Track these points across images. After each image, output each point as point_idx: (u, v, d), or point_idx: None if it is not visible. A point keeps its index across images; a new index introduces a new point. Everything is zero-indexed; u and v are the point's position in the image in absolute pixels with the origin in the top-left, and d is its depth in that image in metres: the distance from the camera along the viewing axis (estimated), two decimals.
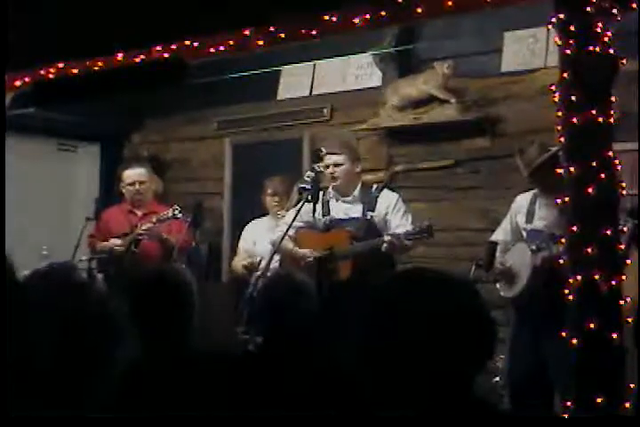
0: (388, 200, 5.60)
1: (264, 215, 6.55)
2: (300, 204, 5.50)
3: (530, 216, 5.06)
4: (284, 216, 5.93)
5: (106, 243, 6.42)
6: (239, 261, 6.40)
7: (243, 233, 6.57)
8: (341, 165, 5.62)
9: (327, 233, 5.67)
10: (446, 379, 1.80)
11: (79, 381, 1.85)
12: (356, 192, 5.65)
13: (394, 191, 5.77)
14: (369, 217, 5.56)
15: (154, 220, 6.21)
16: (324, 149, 5.84)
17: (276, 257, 5.63)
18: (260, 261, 5.97)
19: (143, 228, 6.24)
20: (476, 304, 1.87)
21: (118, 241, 6.35)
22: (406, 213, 5.57)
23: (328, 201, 5.71)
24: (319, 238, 5.66)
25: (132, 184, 6.56)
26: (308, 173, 5.64)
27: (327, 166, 5.65)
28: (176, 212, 6.13)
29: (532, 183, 5.06)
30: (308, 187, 5.40)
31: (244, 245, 6.47)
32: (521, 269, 4.97)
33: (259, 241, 6.35)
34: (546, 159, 4.82)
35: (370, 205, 5.58)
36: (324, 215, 5.69)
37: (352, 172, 5.66)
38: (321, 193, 5.74)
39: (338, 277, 5.43)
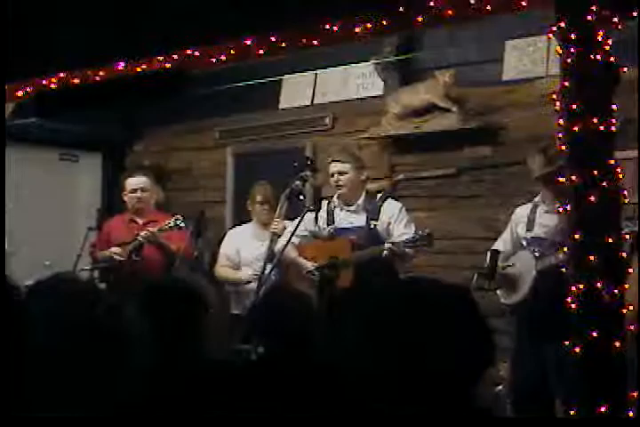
0: (391, 210, 5.61)
1: (247, 222, 6.54)
2: (302, 213, 5.52)
3: (530, 225, 5.06)
4: (275, 227, 5.92)
5: (106, 251, 6.43)
6: (221, 267, 6.40)
7: (225, 239, 6.52)
8: (346, 173, 5.64)
9: (330, 242, 5.69)
10: (445, 387, 1.80)
11: (86, 387, 1.85)
12: (361, 201, 5.67)
13: (398, 201, 5.79)
14: (372, 226, 5.57)
15: (156, 230, 6.22)
16: (328, 158, 5.88)
17: (269, 266, 5.64)
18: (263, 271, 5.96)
19: (142, 234, 6.24)
20: (473, 313, 1.87)
21: (118, 249, 6.34)
22: (409, 223, 5.58)
23: (333, 210, 5.73)
24: (322, 247, 5.67)
25: (134, 191, 6.56)
26: (297, 181, 5.67)
27: (332, 175, 5.68)
28: (178, 222, 6.14)
29: (543, 183, 4.99)
30: (298, 188, 5.46)
31: (226, 252, 6.42)
32: (523, 275, 4.97)
33: (243, 248, 6.33)
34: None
35: (373, 214, 5.60)
36: (328, 224, 5.71)
37: (357, 180, 5.67)
38: (325, 202, 5.77)
39: (339, 285, 5.44)
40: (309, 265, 5.63)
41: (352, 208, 5.68)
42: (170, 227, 6.17)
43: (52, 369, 1.87)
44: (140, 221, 6.53)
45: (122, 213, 6.80)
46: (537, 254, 4.92)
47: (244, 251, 6.33)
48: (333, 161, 5.74)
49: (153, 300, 3.20)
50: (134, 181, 6.61)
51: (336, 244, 5.64)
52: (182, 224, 6.15)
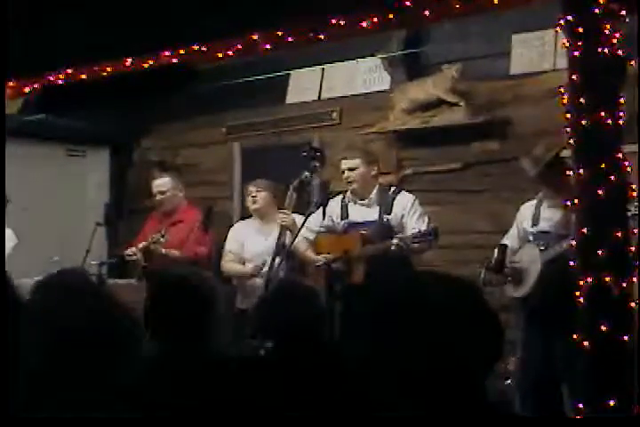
0: (404, 202, 5.63)
1: (249, 217, 6.52)
2: (309, 209, 5.54)
3: (535, 220, 5.09)
4: (284, 219, 5.89)
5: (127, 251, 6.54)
6: (227, 262, 6.37)
7: (229, 234, 6.48)
8: (356, 168, 5.65)
9: (342, 236, 5.70)
10: (455, 381, 1.80)
11: (93, 381, 1.86)
12: (373, 195, 5.68)
13: (411, 194, 5.78)
14: (385, 220, 5.58)
15: (148, 243, 6.33)
16: (339, 155, 5.89)
17: (278, 259, 5.63)
18: (264, 263, 5.94)
19: (142, 244, 6.37)
20: (482, 307, 1.87)
21: (134, 249, 6.43)
22: (422, 216, 5.59)
23: (346, 205, 5.74)
24: (335, 241, 5.69)
25: (156, 195, 6.68)
26: (306, 172, 5.68)
27: (343, 171, 5.69)
28: (161, 237, 6.23)
29: (539, 183, 5.07)
30: (307, 179, 5.46)
31: (232, 247, 6.39)
32: (530, 267, 4.98)
33: (248, 242, 6.31)
34: (553, 157, 4.87)
35: (386, 207, 5.61)
36: (342, 219, 5.73)
37: (367, 175, 5.68)
38: (339, 197, 5.78)
39: (350, 279, 5.44)
40: (319, 259, 5.63)
41: (365, 202, 5.70)
42: (154, 242, 6.26)
43: (61, 364, 1.87)
44: (169, 221, 6.58)
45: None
46: (542, 248, 4.94)
47: (248, 245, 6.32)
48: (343, 158, 5.75)
49: (160, 295, 3.21)
50: (156, 183, 6.74)
51: (348, 238, 5.65)
52: (162, 239, 6.21)
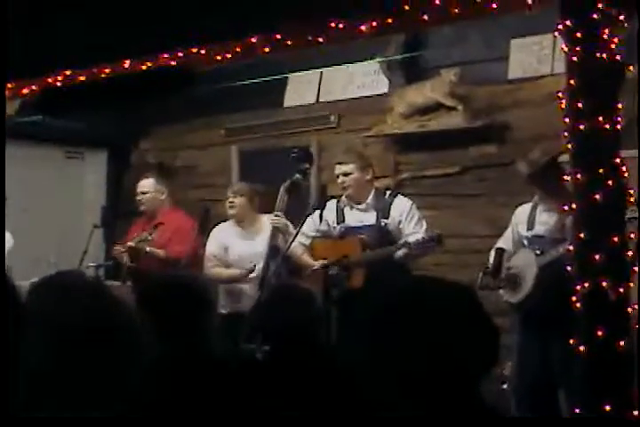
0: (401, 207, 5.61)
1: (226, 220, 6.45)
2: (307, 211, 5.53)
3: (531, 224, 5.08)
4: (277, 222, 5.86)
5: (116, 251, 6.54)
6: (211, 267, 6.26)
7: (209, 239, 6.37)
8: (350, 174, 5.63)
9: (340, 241, 5.68)
10: (451, 385, 1.80)
11: (94, 384, 1.86)
12: (369, 199, 5.66)
13: (408, 198, 5.77)
14: (383, 224, 5.57)
15: (134, 242, 6.36)
16: (334, 159, 5.89)
17: (272, 263, 5.61)
18: (255, 266, 5.89)
19: (129, 243, 6.38)
20: (478, 311, 1.87)
21: (121, 249, 6.44)
22: (420, 220, 5.58)
23: (342, 209, 5.72)
24: (332, 246, 5.67)
25: (139, 195, 6.69)
26: (297, 174, 5.68)
27: (337, 176, 5.68)
28: (148, 236, 6.27)
29: (532, 185, 5.07)
30: (298, 181, 5.47)
31: (215, 252, 6.29)
32: (526, 272, 4.98)
33: (231, 246, 6.24)
34: (549, 161, 4.87)
35: (383, 212, 5.59)
36: (338, 223, 5.71)
37: (362, 180, 5.66)
38: (334, 200, 5.77)
39: (349, 284, 5.43)
40: (315, 263, 5.61)
41: (361, 207, 5.67)
42: (141, 240, 6.31)
43: (57, 367, 1.87)
44: (152, 222, 6.58)
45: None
46: (538, 252, 4.93)
47: (232, 249, 6.23)
48: (337, 163, 5.75)
49: (153, 297, 3.21)
50: (140, 184, 6.78)
51: (346, 243, 5.63)
52: (150, 237, 6.27)
